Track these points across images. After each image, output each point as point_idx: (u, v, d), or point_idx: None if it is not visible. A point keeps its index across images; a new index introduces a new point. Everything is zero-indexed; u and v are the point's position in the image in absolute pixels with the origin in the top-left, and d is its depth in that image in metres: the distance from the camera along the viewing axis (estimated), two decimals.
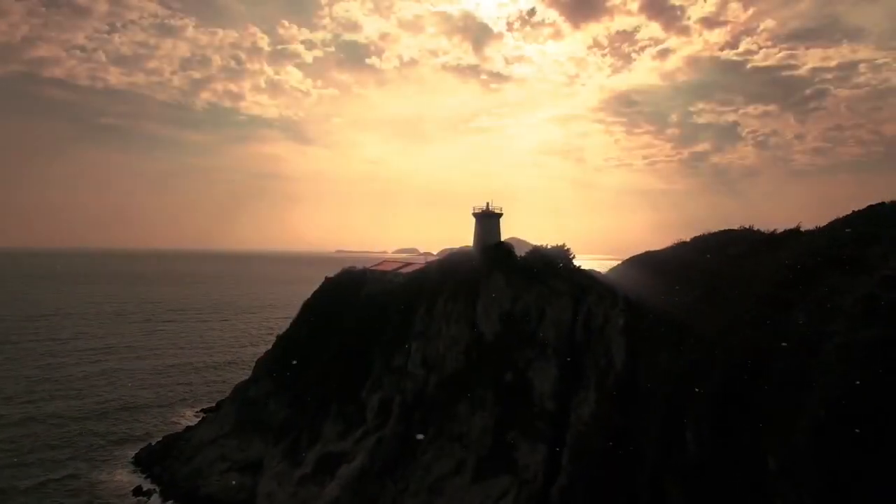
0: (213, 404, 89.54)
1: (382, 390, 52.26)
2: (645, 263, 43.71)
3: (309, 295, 75.87)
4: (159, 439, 74.06)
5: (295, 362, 64.61)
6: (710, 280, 34.32)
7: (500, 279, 48.70)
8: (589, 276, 54.59)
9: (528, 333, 47.05)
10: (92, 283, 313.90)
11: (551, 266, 55.85)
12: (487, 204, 55.94)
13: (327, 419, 55.33)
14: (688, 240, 44.51)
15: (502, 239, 62.26)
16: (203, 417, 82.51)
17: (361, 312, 59.72)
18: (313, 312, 67.45)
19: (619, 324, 40.91)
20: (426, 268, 60.75)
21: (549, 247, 67.21)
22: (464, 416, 43.72)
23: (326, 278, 72.90)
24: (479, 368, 45.81)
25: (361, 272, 70.73)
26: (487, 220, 55.07)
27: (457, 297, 49.35)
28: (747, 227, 41.31)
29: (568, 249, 66.23)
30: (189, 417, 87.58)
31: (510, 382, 45.11)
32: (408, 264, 66.88)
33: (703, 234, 43.16)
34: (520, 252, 57.49)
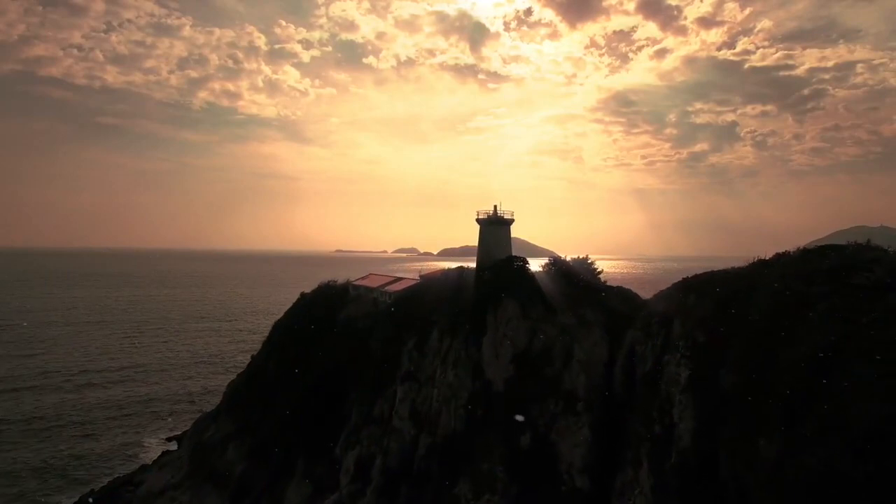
0: (184, 431, 78.56)
1: (360, 447, 40.71)
2: (710, 290, 32.13)
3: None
4: (105, 483, 62.90)
5: (251, 394, 53.08)
6: (840, 326, 22.77)
7: (513, 307, 37.10)
8: (628, 301, 43.12)
9: (551, 380, 35.49)
10: (80, 286, 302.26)
11: (577, 286, 44.35)
12: (495, 207, 44.22)
13: (292, 479, 43.86)
14: (767, 257, 32.81)
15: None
16: (161, 454, 71.23)
17: (338, 341, 48.19)
18: (284, 337, 55.96)
19: (682, 376, 29.30)
20: (419, 285, 49.14)
21: (568, 258, 55.71)
22: (465, 498, 32.15)
23: (302, 294, 61.39)
24: (485, 429, 34.25)
25: (342, 287, 59.28)
26: (495, 227, 43.40)
27: (456, 330, 37.75)
28: (859, 242, 29.66)
29: (592, 262, 54.74)
30: (154, 448, 76.61)
31: (528, 448, 33.56)
32: (397, 279, 55.38)
33: (793, 252, 31.48)
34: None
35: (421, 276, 58.65)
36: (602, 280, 53.80)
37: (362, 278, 59.64)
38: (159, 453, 71.74)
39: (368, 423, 41.24)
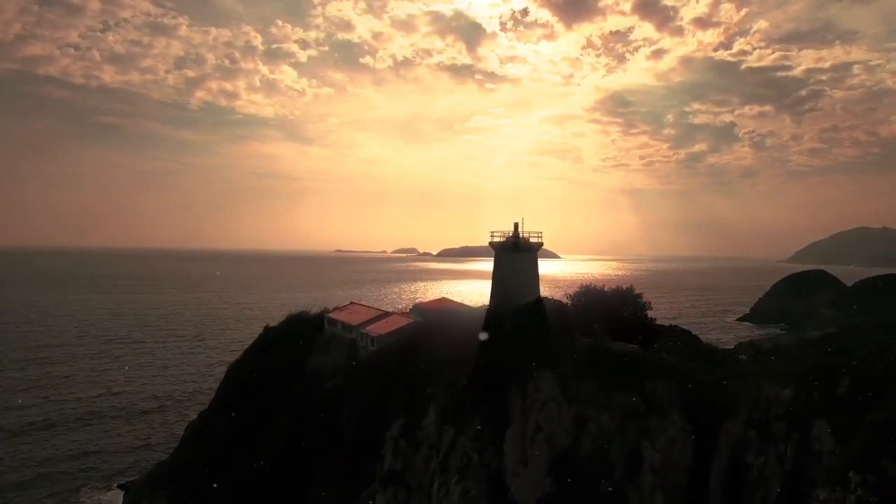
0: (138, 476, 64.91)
1: None
2: (877, 374, 19.88)
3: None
4: None
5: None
6: None
7: (550, 383, 24.62)
8: (696, 353, 30.65)
9: (610, 500, 23.09)
10: (67, 290, 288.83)
11: (628, 333, 31.87)
12: (516, 227, 31.18)
13: None
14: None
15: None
16: None
17: (303, 404, 35.71)
18: (238, 389, 43.41)
19: None
20: (411, 329, 36.52)
21: (605, 289, 43.18)
22: None
23: (266, 328, 48.81)
24: None
25: (317, 320, 46.82)
26: (517, 256, 30.49)
27: (463, 414, 25.22)
28: None
29: (639, 294, 42.23)
30: (100, 500, 63.76)
31: None
32: (384, 314, 42.95)
33: None
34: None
35: (415, 307, 46.11)
36: (651, 316, 41.54)
37: (342, 309, 47.19)
38: None
39: None
